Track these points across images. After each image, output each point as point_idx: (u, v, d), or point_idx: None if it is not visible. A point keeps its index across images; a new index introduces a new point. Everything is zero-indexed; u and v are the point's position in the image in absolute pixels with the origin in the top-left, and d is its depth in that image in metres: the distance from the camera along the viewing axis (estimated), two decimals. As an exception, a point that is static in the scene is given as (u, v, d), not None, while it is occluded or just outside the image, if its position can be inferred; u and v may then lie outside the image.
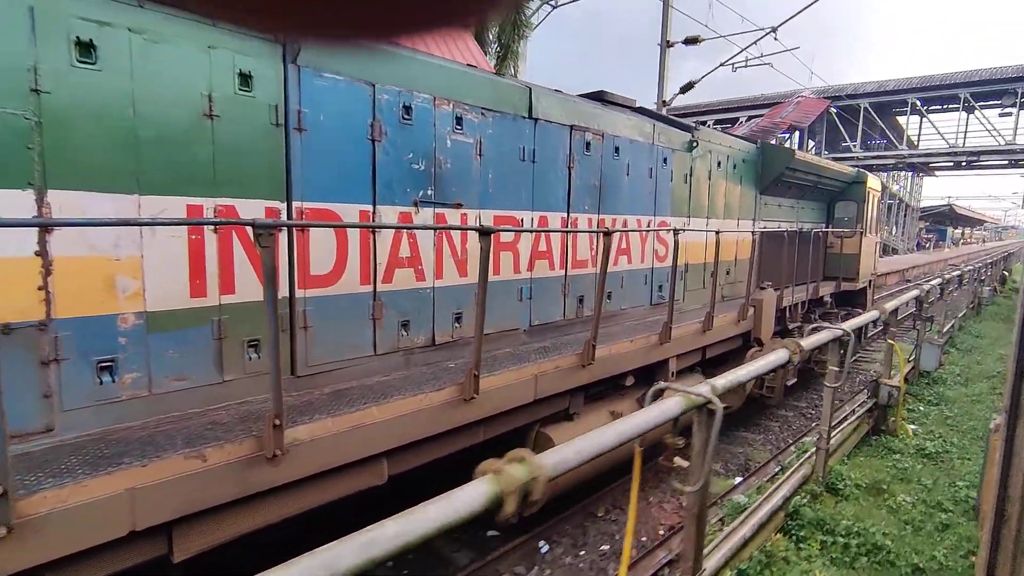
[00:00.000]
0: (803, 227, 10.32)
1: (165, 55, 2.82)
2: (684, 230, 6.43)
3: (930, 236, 60.92)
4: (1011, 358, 3.25)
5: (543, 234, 5.12)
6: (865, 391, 7.84)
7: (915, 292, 8.53)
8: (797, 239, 8.76)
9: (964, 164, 27.71)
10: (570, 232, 5.34)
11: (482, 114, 4.43)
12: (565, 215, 5.33)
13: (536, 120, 4.89)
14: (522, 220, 4.88)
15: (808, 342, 4.39)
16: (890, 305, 6.80)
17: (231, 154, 3.09)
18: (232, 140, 3.09)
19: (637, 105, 7.19)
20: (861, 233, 11.42)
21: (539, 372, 4.36)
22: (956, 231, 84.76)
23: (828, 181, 10.51)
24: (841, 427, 6.37)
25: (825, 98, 28.09)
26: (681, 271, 7.10)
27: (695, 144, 6.99)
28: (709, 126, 8.41)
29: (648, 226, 6.40)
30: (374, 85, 3.70)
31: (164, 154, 2.85)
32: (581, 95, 6.40)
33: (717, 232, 6.15)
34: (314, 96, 3.42)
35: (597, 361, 4.81)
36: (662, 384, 2.95)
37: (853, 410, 7.21)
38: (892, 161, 29.30)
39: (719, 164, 7.66)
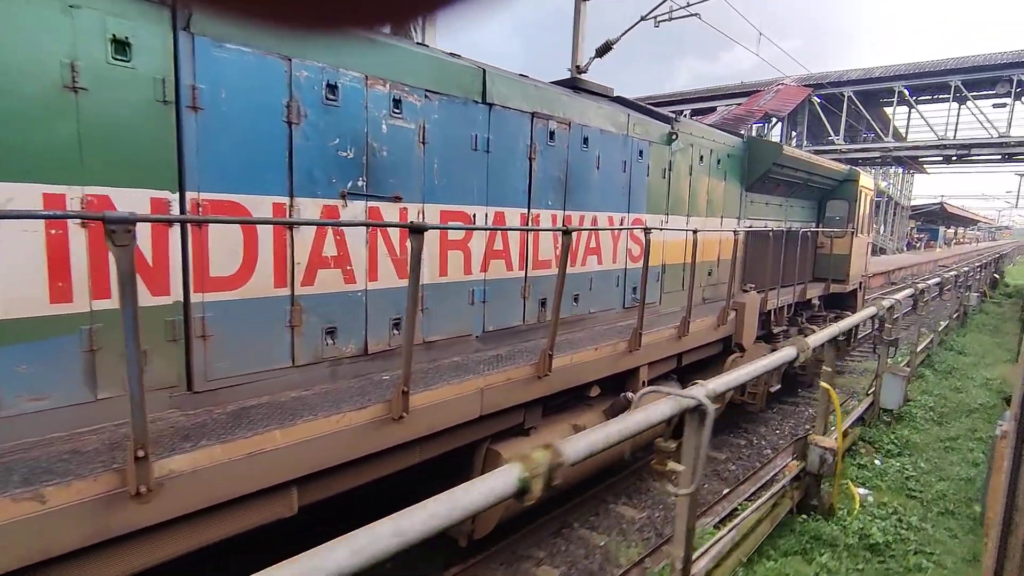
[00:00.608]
0: (792, 226, 9.92)
1: (7, 14, 2.35)
2: (659, 229, 6.00)
3: (921, 235, 59.80)
4: (1021, 363, 3.15)
5: (500, 232, 4.67)
6: (792, 452, 5.67)
7: (871, 311, 6.91)
8: (784, 239, 8.36)
9: (954, 158, 25.84)
10: (527, 230, 4.90)
11: (426, 96, 3.97)
12: (525, 211, 4.88)
13: (491, 105, 4.44)
14: (474, 216, 4.44)
15: (579, 446, 2.21)
16: (816, 339, 4.70)
17: (104, 134, 2.63)
18: (105, 118, 2.63)
19: (615, 95, 6.75)
20: (852, 233, 11.04)
21: (486, 385, 3.93)
22: (949, 231, 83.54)
23: (819, 179, 10.11)
24: (740, 519, 4.47)
25: (807, 86, 26.32)
26: (658, 272, 6.69)
27: (675, 137, 6.55)
28: (684, 115, 7.82)
29: (621, 224, 5.97)
30: (290, 60, 3.23)
31: (10, 132, 2.39)
32: (553, 83, 5.95)
33: (695, 231, 5.72)
34: (213, 70, 2.95)
35: (555, 372, 4.39)
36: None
37: (773, 477, 5.86)
38: (878, 154, 26.84)
39: (701, 159, 7.22)
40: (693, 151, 7.04)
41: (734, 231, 6.48)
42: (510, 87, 4.59)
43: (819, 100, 26.61)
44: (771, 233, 7.70)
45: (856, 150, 26.69)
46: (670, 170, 6.63)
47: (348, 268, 3.64)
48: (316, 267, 3.48)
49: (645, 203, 6.29)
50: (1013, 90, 22.55)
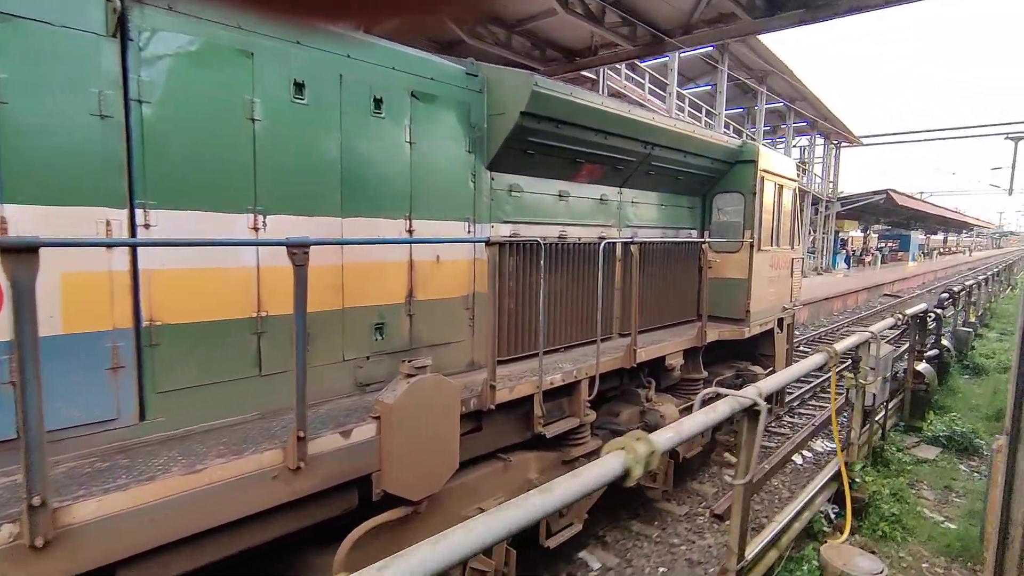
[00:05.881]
0: (637, 235, 6.02)
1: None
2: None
3: (883, 245, 47.85)
4: (1011, 380, 3.01)
5: None
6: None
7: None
8: (560, 257, 4.45)
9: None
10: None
11: None
12: None
13: None
14: None
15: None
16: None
17: None
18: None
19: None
20: (751, 245, 7.08)
21: None
22: (934, 237, 67.93)
23: (669, 152, 6.02)
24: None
25: None
26: (130, 338, 2.72)
27: (123, 17, 2.64)
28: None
29: None
30: None
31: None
32: None
33: (198, 243, 1.77)
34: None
35: None
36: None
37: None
38: (635, 49, 9.63)
39: (301, 87, 3.30)
40: (268, 68, 3.14)
41: (293, 244, 2.59)
42: None
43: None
44: (510, 245, 3.74)
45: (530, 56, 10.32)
46: (140, 102, 2.71)
47: None
48: None
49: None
50: None
